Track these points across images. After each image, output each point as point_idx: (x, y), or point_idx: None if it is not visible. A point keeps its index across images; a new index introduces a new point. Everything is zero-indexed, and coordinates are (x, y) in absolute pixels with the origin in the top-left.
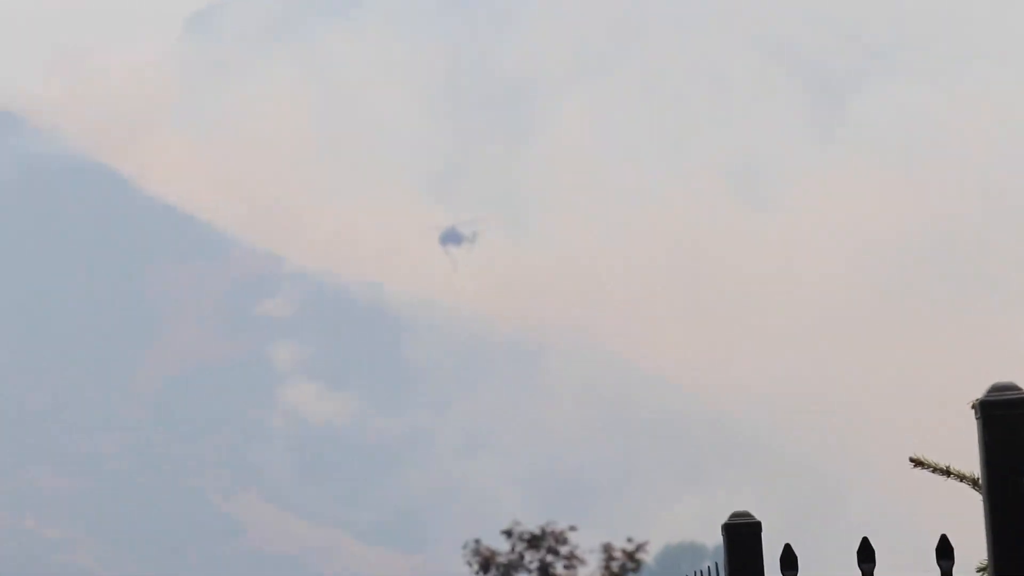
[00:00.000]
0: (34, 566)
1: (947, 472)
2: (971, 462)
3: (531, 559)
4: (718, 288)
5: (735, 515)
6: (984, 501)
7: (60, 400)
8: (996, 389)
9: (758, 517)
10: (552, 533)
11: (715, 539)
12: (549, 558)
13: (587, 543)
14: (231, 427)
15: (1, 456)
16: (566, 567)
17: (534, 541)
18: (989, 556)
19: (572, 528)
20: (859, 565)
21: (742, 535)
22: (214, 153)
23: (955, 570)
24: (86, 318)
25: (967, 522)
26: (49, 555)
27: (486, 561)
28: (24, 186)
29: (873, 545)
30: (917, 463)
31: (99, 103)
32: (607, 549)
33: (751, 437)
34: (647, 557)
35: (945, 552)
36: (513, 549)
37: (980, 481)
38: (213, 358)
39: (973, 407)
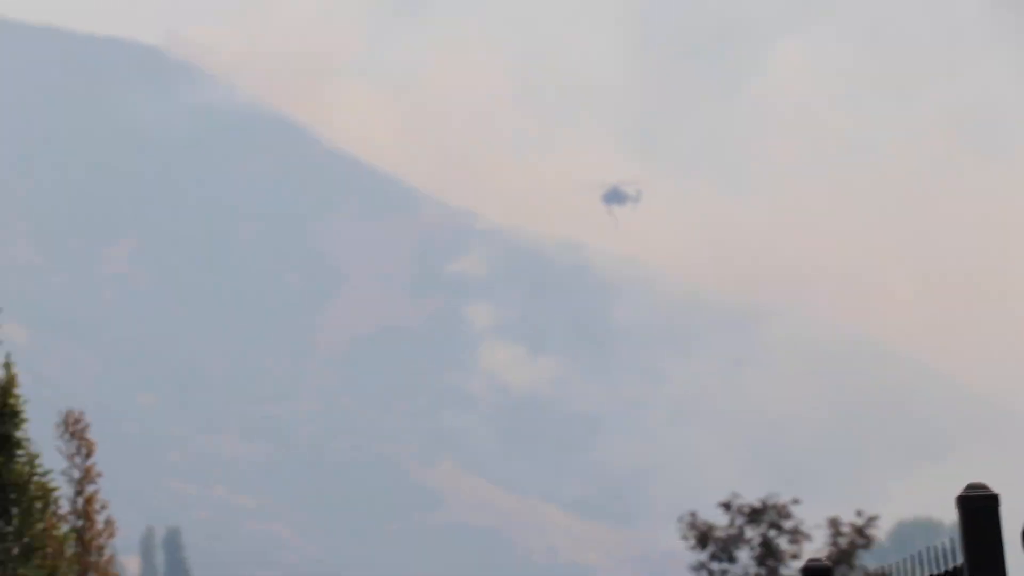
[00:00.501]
0: (227, 534)
1: None
2: None
3: (752, 534)
4: (947, 246)
5: (971, 487)
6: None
7: (242, 364)
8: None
9: (997, 490)
10: (775, 507)
11: (952, 515)
12: (771, 533)
13: (812, 518)
14: (425, 392)
15: (186, 423)
16: (790, 542)
17: (755, 515)
18: None
19: (796, 501)
20: None
21: (979, 508)
22: (400, 102)
23: None
24: (265, 276)
25: None
26: (241, 522)
27: (703, 535)
28: (201, 137)
29: None
30: None
31: (279, 51)
32: (834, 524)
33: (989, 405)
34: (878, 533)
35: None
36: (732, 523)
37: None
38: (402, 318)
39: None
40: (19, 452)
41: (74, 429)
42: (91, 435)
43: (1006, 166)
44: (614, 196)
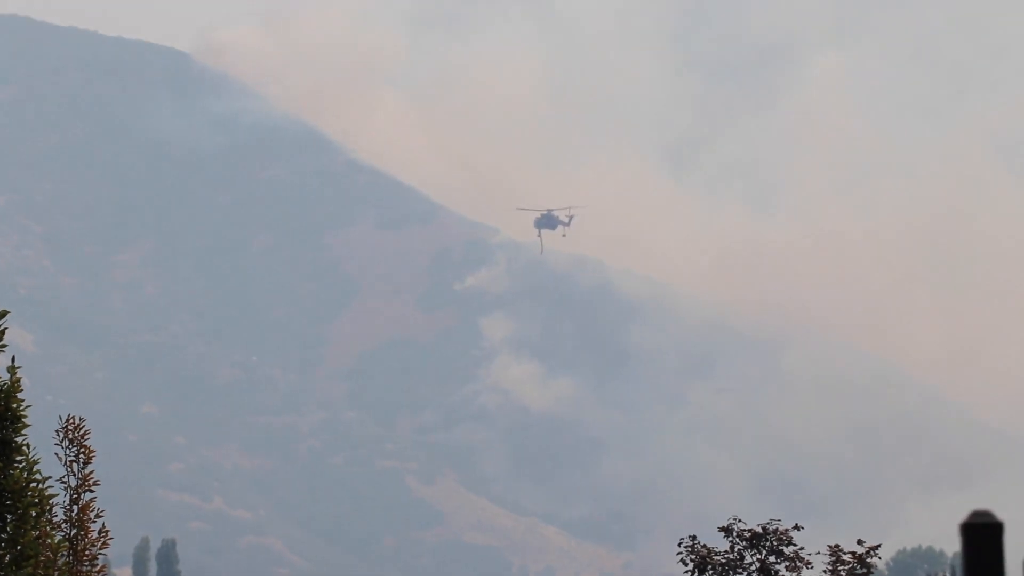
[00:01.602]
0: (222, 547)
1: None
2: None
3: (751, 559)
4: (982, 274)
5: (975, 514)
6: None
7: (248, 375)
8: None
9: (1002, 519)
10: (775, 532)
11: (955, 546)
12: (771, 559)
13: (813, 545)
14: (431, 407)
15: (189, 432)
16: (789, 569)
17: (755, 540)
18: None
19: (797, 528)
20: None
21: (982, 536)
22: (431, 114)
23: None
24: (277, 287)
25: None
26: (238, 536)
27: (702, 560)
28: (223, 145)
29: None
30: None
31: (310, 60)
32: (835, 552)
33: (1000, 436)
34: (879, 562)
35: None
36: (732, 548)
37: None
38: (413, 331)
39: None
40: (18, 458)
41: (73, 436)
42: (92, 443)
43: None
44: (545, 221)
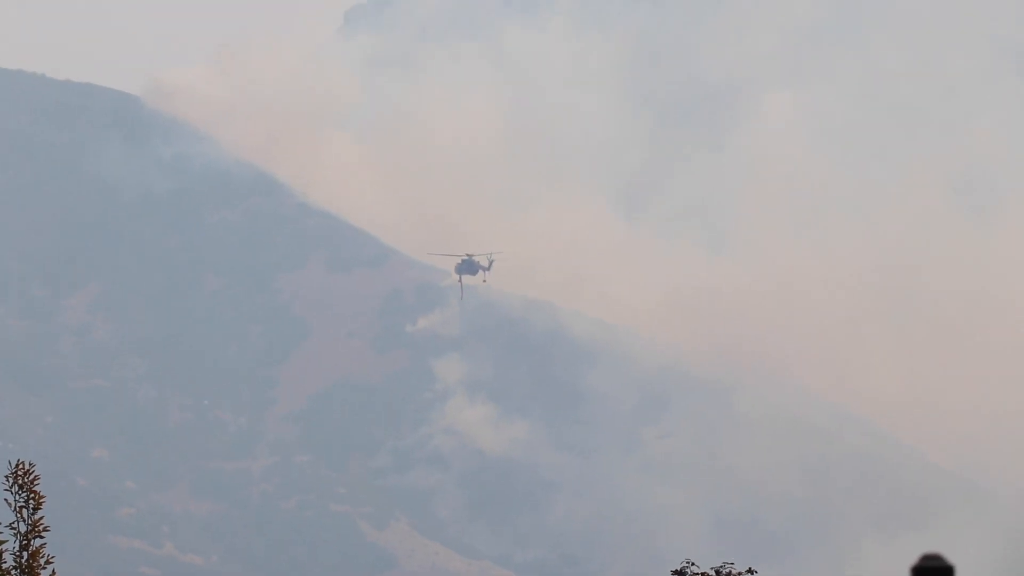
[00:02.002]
0: None
1: None
2: None
3: None
4: (933, 315)
5: (926, 557)
6: None
7: (198, 418)
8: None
9: (952, 562)
10: (729, 575)
11: None
12: None
13: None
14: (383, 451)
15: (138, 477)
16: None
17: None
18: None
19: (751, 571)
20: None
21: None
22: (382, 156)
23: None
24: (228, 328)
25: None
26: None
27: None
28: (172, 189)
29: None
30: None
31: (260, 101)
32: None
33: (953, 478)
34: None
35: None
36: None
37: None
38: (364, 375)
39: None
40: None
41: (23, 481)
42: (41, 488)
43: (998, 234)
44: (466, 267)
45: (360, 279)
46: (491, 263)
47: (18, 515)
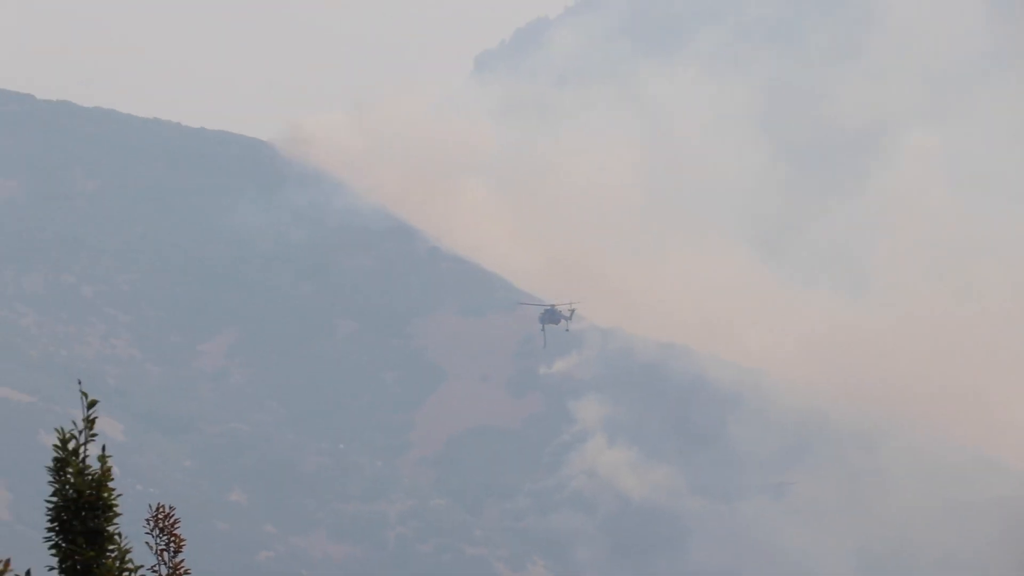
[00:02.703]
0: None
1: None
2: None
3: None
4: None
5: None
6: None
7: (336, 460)
8: None
9: None
10: None
11: None
12: None
13: None
14: (520, 494)
15: (277, 520)
16: None
17: None
18: None
19: None
20: None
21: None
22: (517, 200)
23: None
24: (362, 374)
25: None
26: None
27: None
28: (306, 235)
29: None
30: None
31: (394, 150)
32: None
33: None
34: None
35: None
36: None
37: None
38: (500, 418)
39: None
40: (110, 547)
41: (164, 525)
42: (181, 531)
43: None
44: (548, 316)
45: (493, 323)
46: (572, 312)
47: (159, 558)
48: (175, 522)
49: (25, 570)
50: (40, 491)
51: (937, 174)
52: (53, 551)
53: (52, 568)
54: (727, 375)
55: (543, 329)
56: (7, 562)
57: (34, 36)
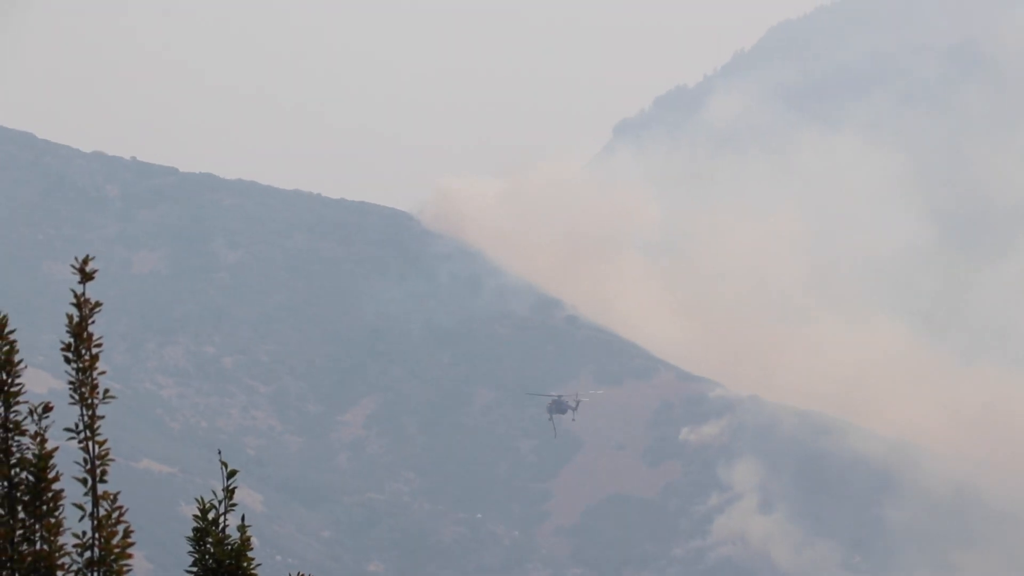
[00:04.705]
0: None
1: None
2: None
3: None
4: None
5: None
6: None
7: (473, 530)
8: None
9: None
10: None
11: None
12: None
13: None
14: (660, 561)
15: None
16: None
17: None
18: None
19: None
20: None
21: None
22: (659, 272)
23: None
24: (499, 443)
25: None
26: None
27: None
28: (449, 308)
29: None
30: None
31: (540, 220)
32: None
33: None
34: None
35: None
36: None
37: None
38: (637, 486)
39: None
40: None
41: None
42: None
43: None
44: (556, 407)
45: (629, 391)
46: (578, 403)
47: None
48: None
49: None
50: (180, 562)
51: None
52: None
53: None
54: (878, 450)
55: (551, 419)
56: None
57: (177, 110)
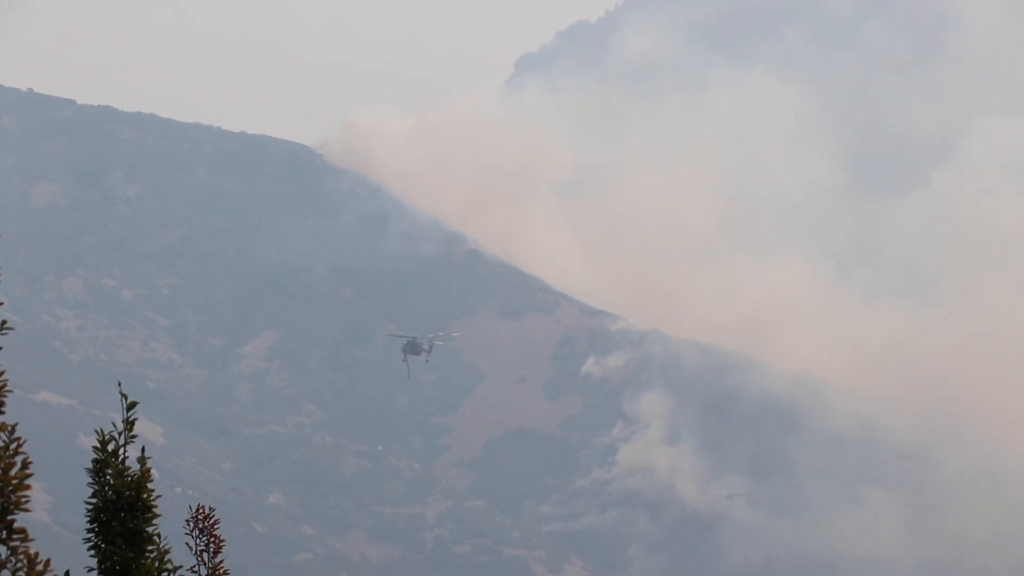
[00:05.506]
0: None
1: None
2: None
3: None
4: None
5: None
6: None
7: (374, 463)
8: None
9: None
10: None
11: None
12: None
13: None
14: (557, 495)
15: (315, 522)
16: None
17: None
18: None
19: None
20: None
21: None
22: (568, 211)
23: None
24: (402, 376)
25: None
26: None
27: None
28: (352, 243)
29: None
30: None
31: (445, 159)
32: None
33: None
34: None
35: None
36: None
37: None
38: (538, 420)
39: None
40: (149, 548)
41: (203, 525)
42: (220, 533)
43: None
44: (410, 348)
45: (532, 325)
46: (432, 346)
47: (199, 559)
48: (215, 523)
49: (64, 571)
50: (79, 494)
51: (1010, 182)
52: (92, 552)
53: (91, 569)
54: (779, 384)
55: (405, 360)
56: (47, 563)
57: (74, 41)
